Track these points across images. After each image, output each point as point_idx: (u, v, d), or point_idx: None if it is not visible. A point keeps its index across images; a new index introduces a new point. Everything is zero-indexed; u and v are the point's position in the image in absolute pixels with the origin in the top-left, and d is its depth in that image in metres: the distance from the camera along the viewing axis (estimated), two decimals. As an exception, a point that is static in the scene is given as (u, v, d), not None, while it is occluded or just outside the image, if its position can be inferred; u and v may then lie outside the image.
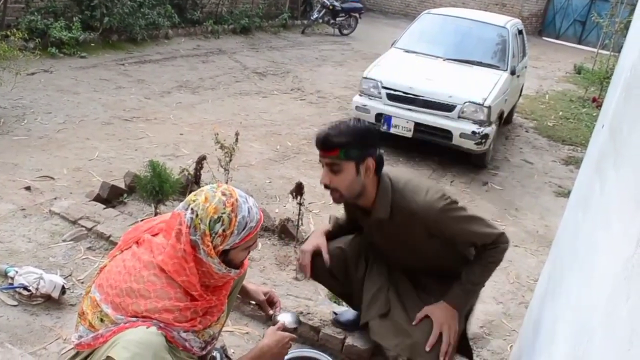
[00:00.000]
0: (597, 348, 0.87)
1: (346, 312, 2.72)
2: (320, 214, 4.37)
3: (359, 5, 15.49)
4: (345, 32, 14.59)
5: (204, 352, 1.73)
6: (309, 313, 2.78)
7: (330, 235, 2.44)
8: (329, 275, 2.40)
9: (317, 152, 2.05)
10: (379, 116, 6.05)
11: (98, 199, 3.74)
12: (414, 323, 2.12)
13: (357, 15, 14.85)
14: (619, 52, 11.78)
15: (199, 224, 1.61)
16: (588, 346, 0.94)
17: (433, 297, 2.16)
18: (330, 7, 14.18)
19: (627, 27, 11.78)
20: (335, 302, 2.94)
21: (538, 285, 2.47)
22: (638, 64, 1.42)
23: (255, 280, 3.06)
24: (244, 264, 1.85)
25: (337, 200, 2.08)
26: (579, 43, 19.07)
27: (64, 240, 3.24)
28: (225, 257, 1.68)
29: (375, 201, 2.07)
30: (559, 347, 1.29)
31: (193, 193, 1.68)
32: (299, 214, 3.56)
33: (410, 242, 2.13)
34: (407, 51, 6.88)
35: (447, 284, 2.15)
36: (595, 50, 12.84)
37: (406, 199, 2.02)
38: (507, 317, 3.45)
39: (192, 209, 1.62)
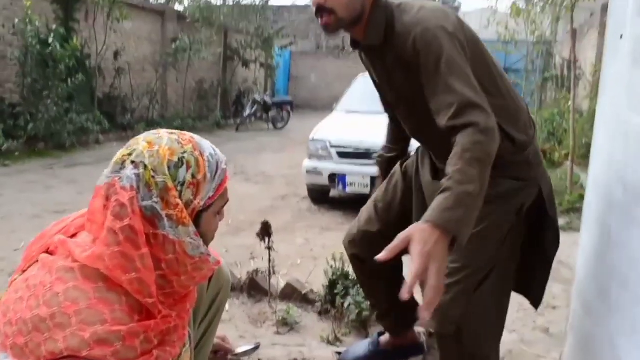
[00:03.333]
0: None
1: (352, 347, 2.21)
2: (290, 274, 3.87)
3: (288, 99, 15.79)
4: (279, 125, 14.62)
5: None
6: (304, 359, 2.25)
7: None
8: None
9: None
10: (332, 177, 5.74)
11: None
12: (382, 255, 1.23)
13: (288, 108, 15.02)
14: (540, 108, 12.46)
15: (152, 178, 1.07)
16: None
17: None
18: (262, 102, 14.31)
19: (543, 85, 12.53)
20: (333, 344, 2.42)
21: (580, 257, 2.03)
22: None
23: (231, 334, 2.50)
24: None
25: (329, 27, 1.54)
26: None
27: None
28: (197, 227, 1.15)
29: (367, 25, 1.56)
30: None
31: (121, 150, 1.13)
32: (269, 261, 3.05)
33: (411, 91, 1.58)
34: (349, 112, 6.79)
35: None
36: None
37: (407, 14, 1.52)
38: (526, 344, 3.00)
39: (133, 162, 1.08)
